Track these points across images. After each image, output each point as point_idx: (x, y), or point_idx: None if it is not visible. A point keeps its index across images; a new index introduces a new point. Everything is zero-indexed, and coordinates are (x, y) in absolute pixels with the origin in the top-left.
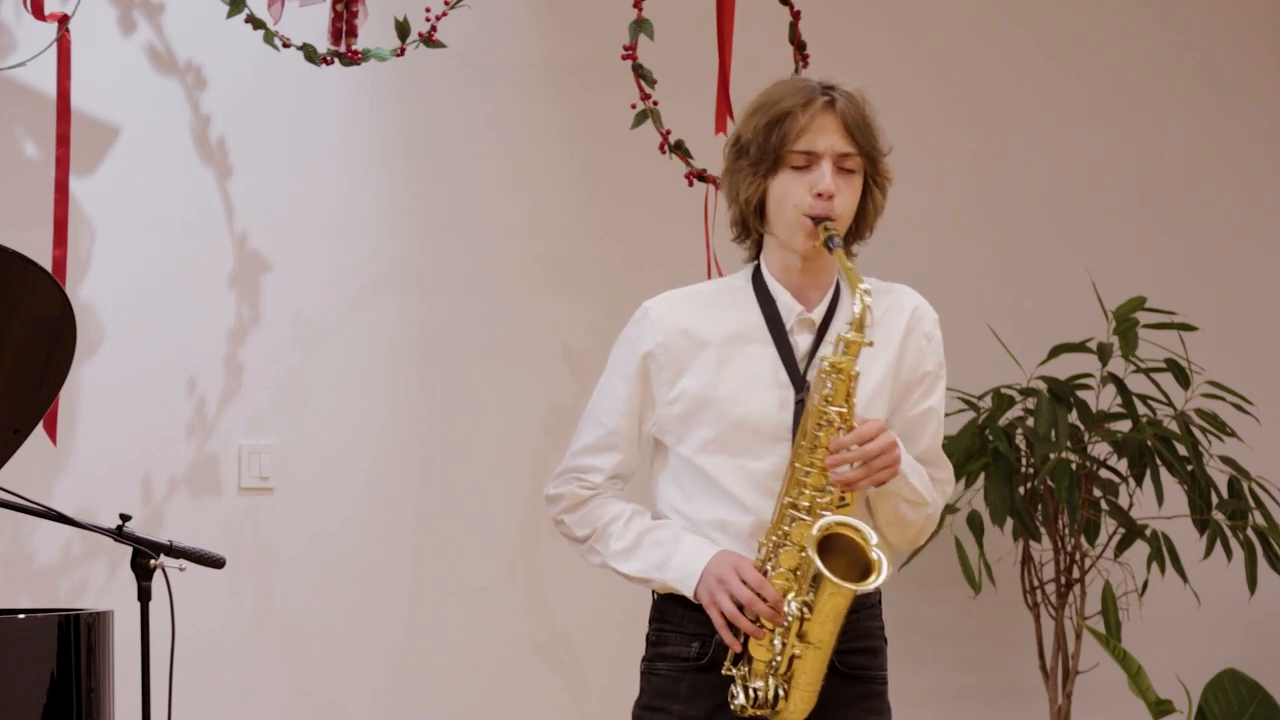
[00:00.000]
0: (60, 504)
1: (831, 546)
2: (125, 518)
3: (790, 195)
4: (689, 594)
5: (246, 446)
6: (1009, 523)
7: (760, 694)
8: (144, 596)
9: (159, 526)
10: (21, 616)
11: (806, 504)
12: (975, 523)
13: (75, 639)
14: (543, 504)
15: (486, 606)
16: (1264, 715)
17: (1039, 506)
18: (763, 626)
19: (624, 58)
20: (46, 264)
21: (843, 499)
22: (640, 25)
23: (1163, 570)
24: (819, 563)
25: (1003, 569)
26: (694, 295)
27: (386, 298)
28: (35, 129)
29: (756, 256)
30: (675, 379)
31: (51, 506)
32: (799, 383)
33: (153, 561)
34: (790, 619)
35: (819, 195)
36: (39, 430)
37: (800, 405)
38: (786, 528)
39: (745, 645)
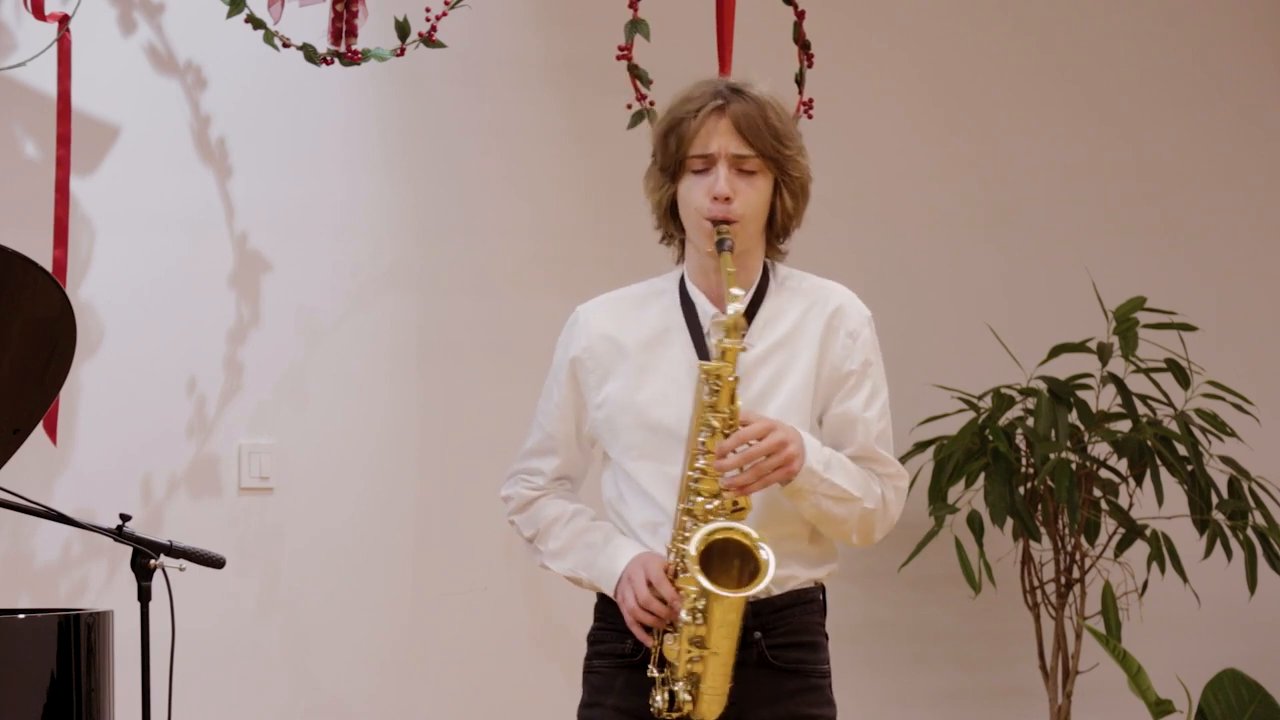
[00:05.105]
0: (60, 504)
1: (729, 550)
2: (125, 518)
3: (693, 199)
4: (610, 593)
5: (246, 446)
6: (1009, 523)
7: (676, 697)
8: (144, 596)
9: (159, 526)
10: (21, 616)
11: (700, 512)
12: (975, 523)
13: (75, 639)
14: None
15: (486, 606)
16: (1264, 715)
17: (1039, 506)
18: (668, 626)
19: (619, 58)
20: (46, 264)
21: (736, 504)
22: (636, 26)
23: (1163, 570)
24: (700, 576)
25: (1003, 569)
26: (622, 299)
27: (386, 297)
28: (35, 129)
29: (682, 258)
30: (600, 384)
31: (51, 506)
32: None
33: (153, 561)
34: (682, 624)
35: (715, 198)
36: (39, 430)
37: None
38: (686, 534)
39: (664, 646)
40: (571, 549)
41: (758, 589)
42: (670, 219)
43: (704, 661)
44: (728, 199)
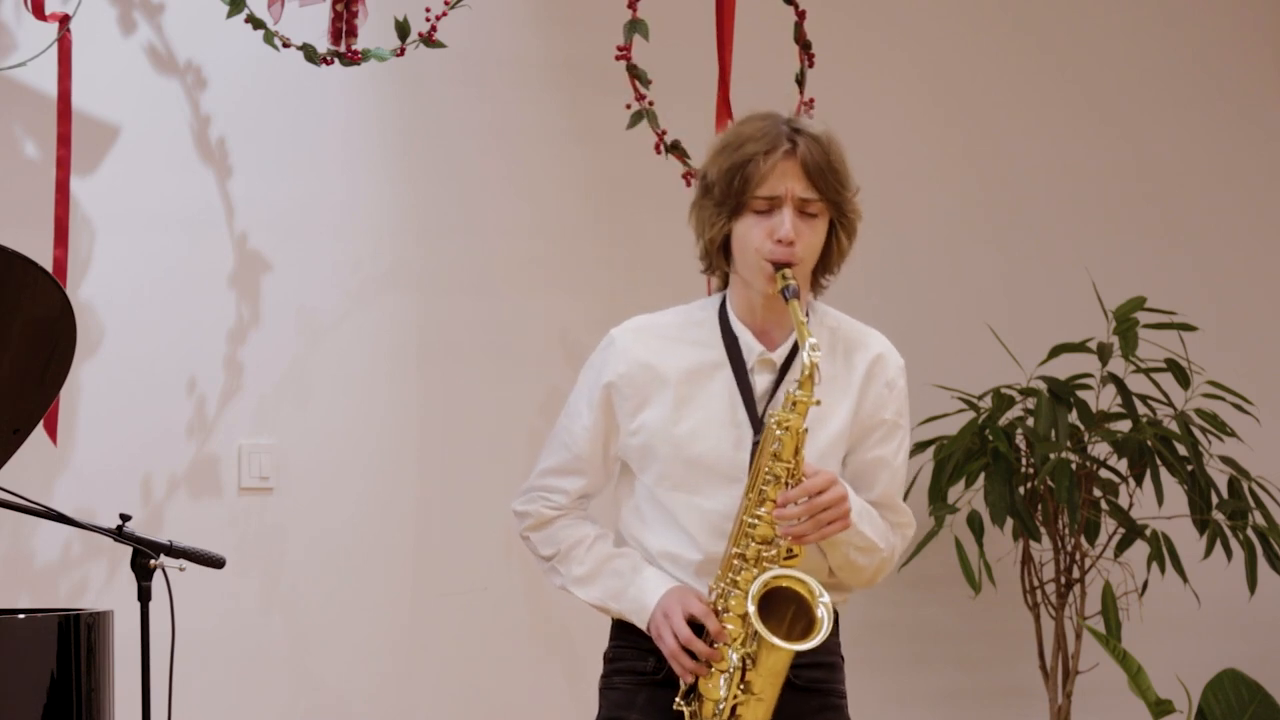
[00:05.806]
0: (60, 504)
1: (780, 596)
2: (125, 518)
3: (752, 239)
4: (642, 626)
5: (246, 446)
6: (1009, 523)
7: None
8: (144, 596)
9: (159, 526)
10: (21, 616)
11: (753, 556)
12: (975, 523)
13: (75, 639)
14: None
15: (486, 606)
16: (1264, 715)
17: (1039, 506)
18: (704, 664)
19: (618, 58)
20: (46, 264)
21: (790, 551)
22: (634, 26)
23: (1163, 570)
24: (759, 624)
25: (1003, 569)
26: (659, 326)
27: (386, 297)
28: (35, 129)
29: (725, 285)
30: (636, 411)
31: (51, 506)
32: (757, 423)
33: (153, 561)
34: (733, 669)
35: (779, 241)
36: (39, 430)
37: (757, 447)
38: (735, 576)
39: (696, 680)
40: (599, 575)
41: (813, 644)
42: (720, 254)
43: (748, 705)
44: (791, 242)
